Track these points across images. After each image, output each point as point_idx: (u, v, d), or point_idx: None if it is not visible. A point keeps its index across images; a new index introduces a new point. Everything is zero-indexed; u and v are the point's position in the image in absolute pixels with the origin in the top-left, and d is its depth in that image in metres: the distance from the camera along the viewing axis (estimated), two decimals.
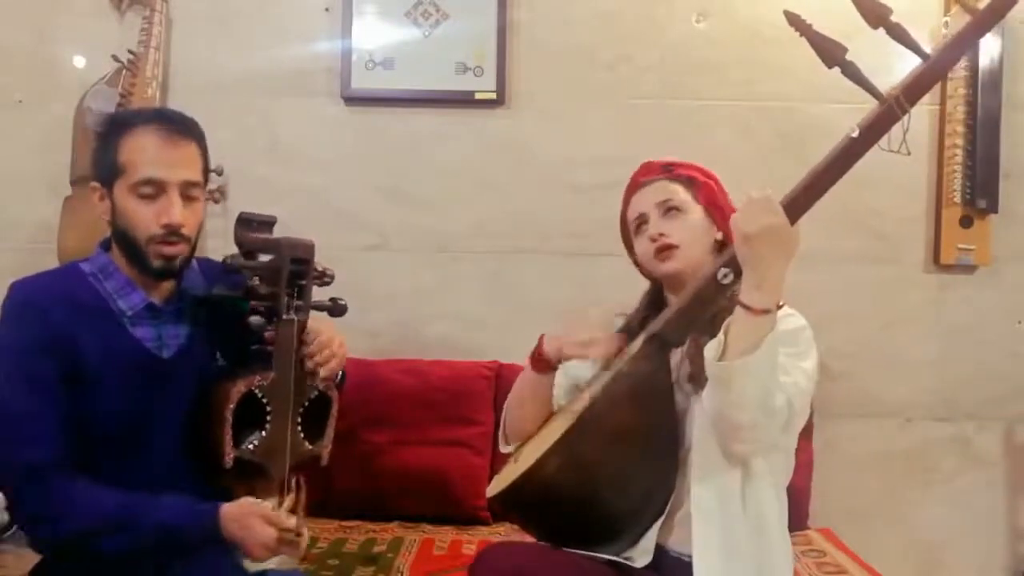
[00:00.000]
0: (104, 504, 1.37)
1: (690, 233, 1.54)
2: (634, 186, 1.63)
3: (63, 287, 1.46)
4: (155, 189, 1.42)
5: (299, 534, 1.39)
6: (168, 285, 1.52)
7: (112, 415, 1.44)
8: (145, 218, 1.43)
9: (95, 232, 2.27)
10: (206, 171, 1.53)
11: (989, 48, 2.50)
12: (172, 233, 1.43)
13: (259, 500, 1.41)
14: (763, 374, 1.32)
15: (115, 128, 1.47)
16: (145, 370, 1.47)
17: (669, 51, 2.57)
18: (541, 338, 1.57)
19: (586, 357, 1.53)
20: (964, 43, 1.35)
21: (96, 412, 1.43)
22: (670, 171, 1.60)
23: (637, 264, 1.64)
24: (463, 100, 2.57)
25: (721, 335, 1.33)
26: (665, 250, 1.53)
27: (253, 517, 1.38)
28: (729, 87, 2.57)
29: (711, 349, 1.34)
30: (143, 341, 1.48)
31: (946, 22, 2.47)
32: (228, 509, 1.39)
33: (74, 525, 1.37)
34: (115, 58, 2.45)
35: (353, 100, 2.58)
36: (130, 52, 2.45)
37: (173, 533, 1.37)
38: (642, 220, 1.58)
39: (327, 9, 2.58)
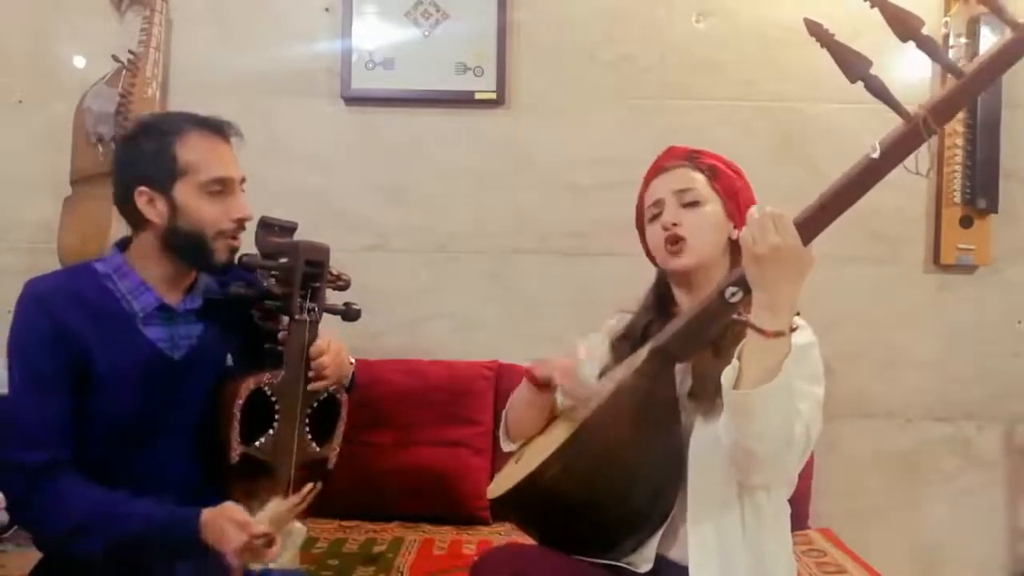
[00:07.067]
0: (84, 508, 1.38)
1: (704, 227, 1.50)
2: (655, 170, 1.58)
3: (74, 286, 1.47)
4: (223, 187, 1.49)
5: (271, 543, 1.34)
6: (183, 285, 1.54)
7: (121, 414, 1.44)
8: (215, 214, 1.48)
9: (95, 232, 2.31)
10: None
11: (989, 48, 2.49)
12: (241, 227, 1.51)
13: (238, 505, 1.38)
14: (783, 403, 1.27)
15: (160, 133, 1.48)
16: (156, 370, 1.48)
17: (669, 51, 2.57)
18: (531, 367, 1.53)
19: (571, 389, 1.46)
20: (1006, 60, 1.24)
21: (105, 411, 1.44)
22: (694, 158, 1.56)
23: (647, 252, 1.60)
24: (463, 100, 2.57)
25: (735, 360, 1.28)
26: (675, 243, 1.49)
27: (227, 522, 1.35)
28: (729, 87, 2.57)
29: (727, 377, 1.28)
30: (155, 341, 1.49)
31: (946, 22, 2.47)
32: (207, 513, 1.37)
33: (54, 528, 1.39)
34: (115, 58, 2.45)
35: (353, 100, 2.58)
36: (130, 52, 2.45)
37: (154, 536, 1.37)
38: (658, 206, 1.54)
39: (327, 9, 2.58)
